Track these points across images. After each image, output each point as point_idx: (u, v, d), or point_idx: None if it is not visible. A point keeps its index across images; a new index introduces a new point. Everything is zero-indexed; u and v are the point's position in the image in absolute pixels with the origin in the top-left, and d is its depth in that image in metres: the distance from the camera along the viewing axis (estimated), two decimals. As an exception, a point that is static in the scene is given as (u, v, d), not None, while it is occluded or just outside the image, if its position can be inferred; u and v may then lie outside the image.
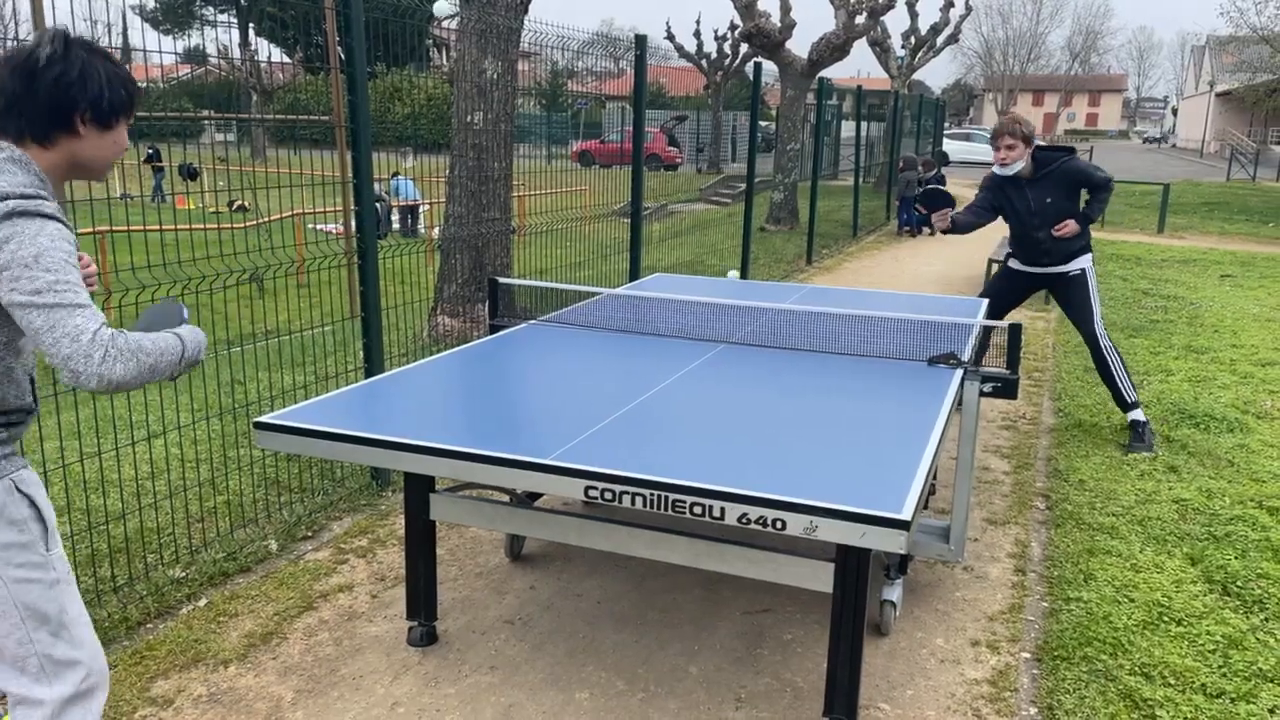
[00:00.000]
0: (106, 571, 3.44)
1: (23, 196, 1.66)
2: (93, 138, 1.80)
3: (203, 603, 3.34)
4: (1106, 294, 9.68)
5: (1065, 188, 4.95)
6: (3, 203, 1.64)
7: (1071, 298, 5.16)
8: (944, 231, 5.05)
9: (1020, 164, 4.91)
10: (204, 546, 3.69)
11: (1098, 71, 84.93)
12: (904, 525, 2.04)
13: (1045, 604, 3.44)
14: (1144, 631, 3.21)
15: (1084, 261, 5.13)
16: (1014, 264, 5.32)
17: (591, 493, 2.30)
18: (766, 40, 14.98)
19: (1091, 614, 3.31)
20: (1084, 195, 5.08)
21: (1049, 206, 4.95)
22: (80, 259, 1.91)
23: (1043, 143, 5.15)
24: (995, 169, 5.02)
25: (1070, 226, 4.93)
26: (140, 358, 1.70)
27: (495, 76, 6.40)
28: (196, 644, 3.07)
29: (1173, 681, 2.92)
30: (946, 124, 36.24)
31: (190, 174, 15.71)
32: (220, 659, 2.99)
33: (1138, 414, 5.11)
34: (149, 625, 3.18)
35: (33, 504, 1.84)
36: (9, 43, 1.81)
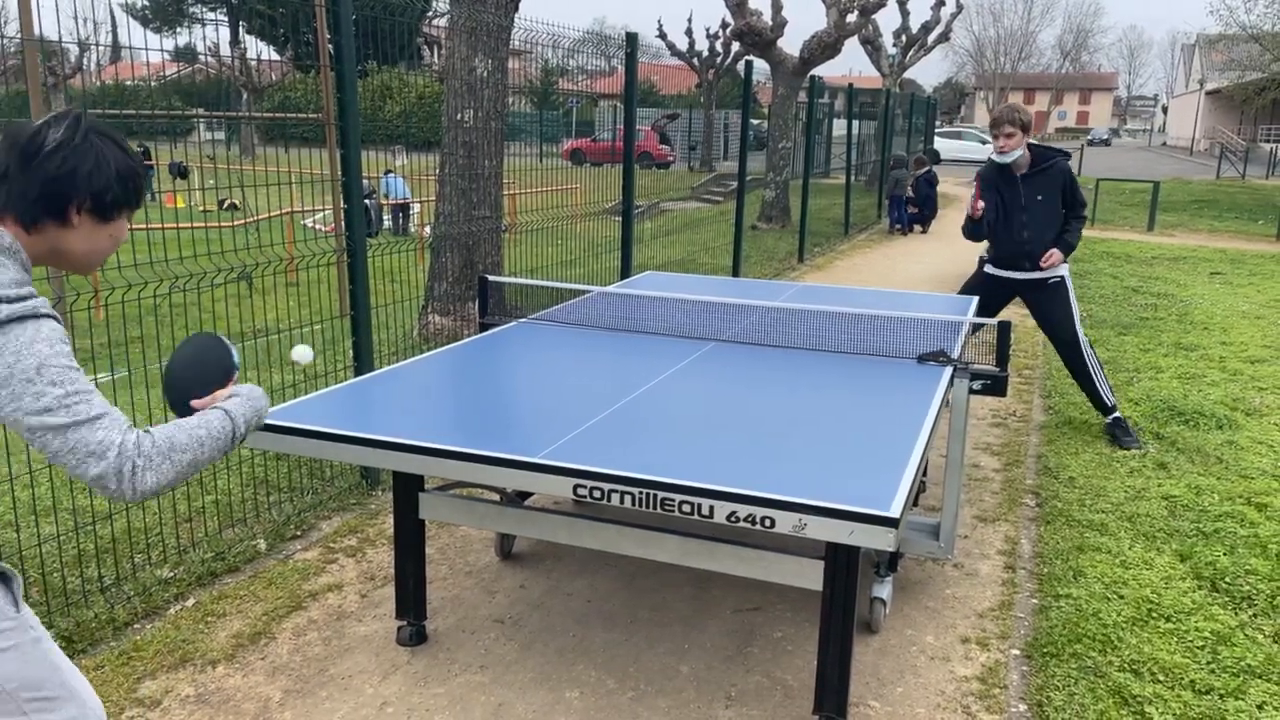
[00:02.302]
0: (94, 572, 3.42)
1: (18, 299, 1.50)
2: (86, 229, 1.62)
3: (190, 603, 3.32)
4: (1096, 292, 9.71)
5: (1056, 188, 4.96)
6: (1, 306, 1.48)
7: (1049, 306, 5.11)
8: (975, 226, 5.03)
9: (1019, 152, 4.90)
10: (192, 546, 3.68)
11: (1088, 70, 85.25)
12: (893, 523, 2.04)
13: (1035, 601, 3.44)
14: (1133, 628, 3.22)
15: (1062, 269, 5.11)
16: (991, 269, 5.23)
17: (581, 491, 2.29)
18: (758, 38, 14.98)
19: (1081, 611, 3.32)
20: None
21: (1039, 204, 4.96)
22: None
23: (1035, 142, 5.16)
24: (993, 156, 5.01)
25: (1055, 257, 4.96)
26: (175, 457, 1.55)
27: (486, 74, 6.38)
28: (184, 644, 3.05)
29: (1162, 678, 2.92)
30: (938, 122, 36.30)
31: (180, 172, 15.66)
32: (208, 659, 2.98)
33: (1117, 414, 5.14)
34: (136, 626, 3.16)
35: None
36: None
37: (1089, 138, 59.78)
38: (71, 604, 3.20)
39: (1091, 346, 5.17)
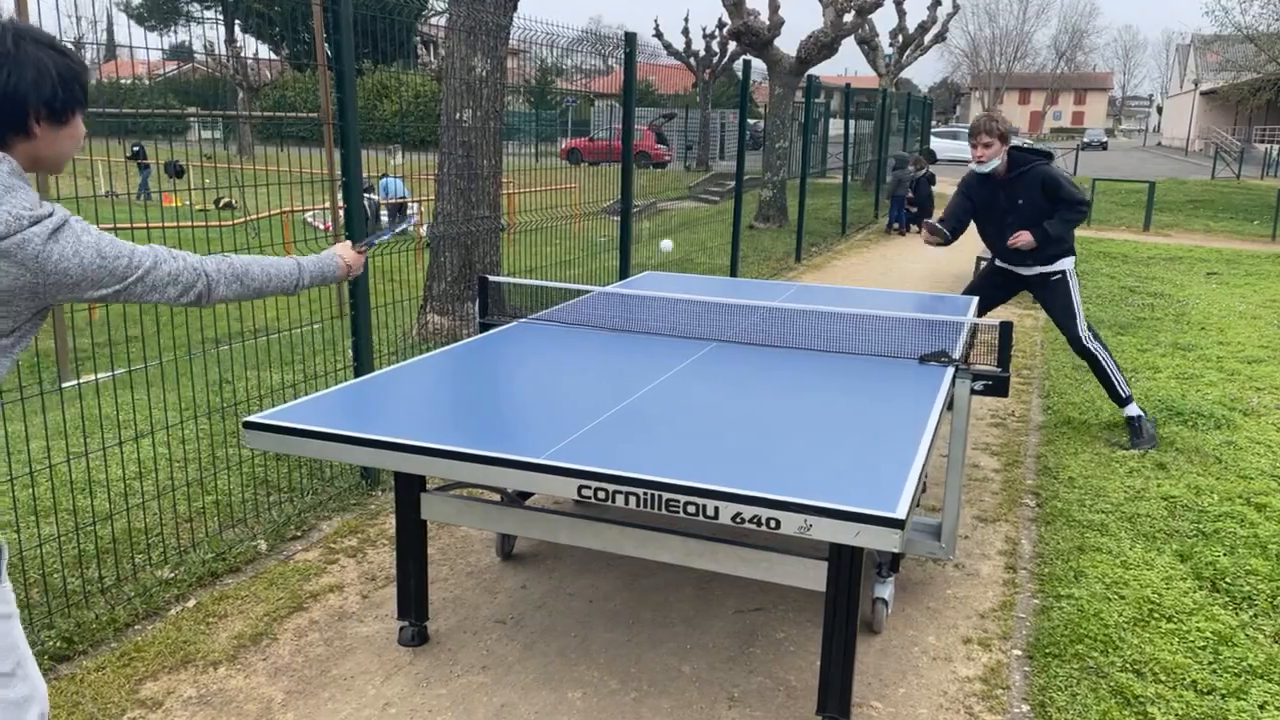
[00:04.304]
0: (94, 573, 3.41)
1: (48, 215, 1.65)
2: (48, 136, 1.72)
3: (191, 603, 3.31)
4: (1093, 291, 9.73)
5: (1037, 191, 4.98)
6: (40, 225, 1.62)
7: (1052, 301, 5.18)
8: (934, 244, 5.10)
9: (996, 161, 4.96)
10: (193, 547, 3.67)
11: (1083, 70, 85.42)
12: (899, 524, 2.04)
13: (1036, 601, 3.45)
14: (1134, 628, 3.22)
15: (1065, 264, 5.14)
16: (999, 262, 5.34)
17: (585, 492, 2.29)
18: (755, 38, 14.98)
19: (1082, 611, 3.33)
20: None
21: (1022, 207, 4.99)
22: None
23: (1021, 144, 5.20)
24: (972, 165, 5.07)
25: (1024, 238, 4.96)
26: (245, 281, 1.92)
27: (484, 74, 6.37)
28: (185, 645, 3.04)
29: (1163, 678, 2.93)
30: (934, 122, 36.33)
31: (176, 171, 15.61)
32: (210, 660, 2.97)
33: (1133, 409, 5.15)
34: (137, 627, 3.15)
35: None
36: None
37: (1085, 140, 55.00)
38: (72, 605, 3.19)
39: (1099, 339, 5.19)
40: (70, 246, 1.66)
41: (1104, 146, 56.43)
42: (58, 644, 2.96)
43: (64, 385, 5.52)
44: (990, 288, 5.35)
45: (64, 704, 2.70)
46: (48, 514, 3.81)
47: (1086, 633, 3.18)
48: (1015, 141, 5.12)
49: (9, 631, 1.78)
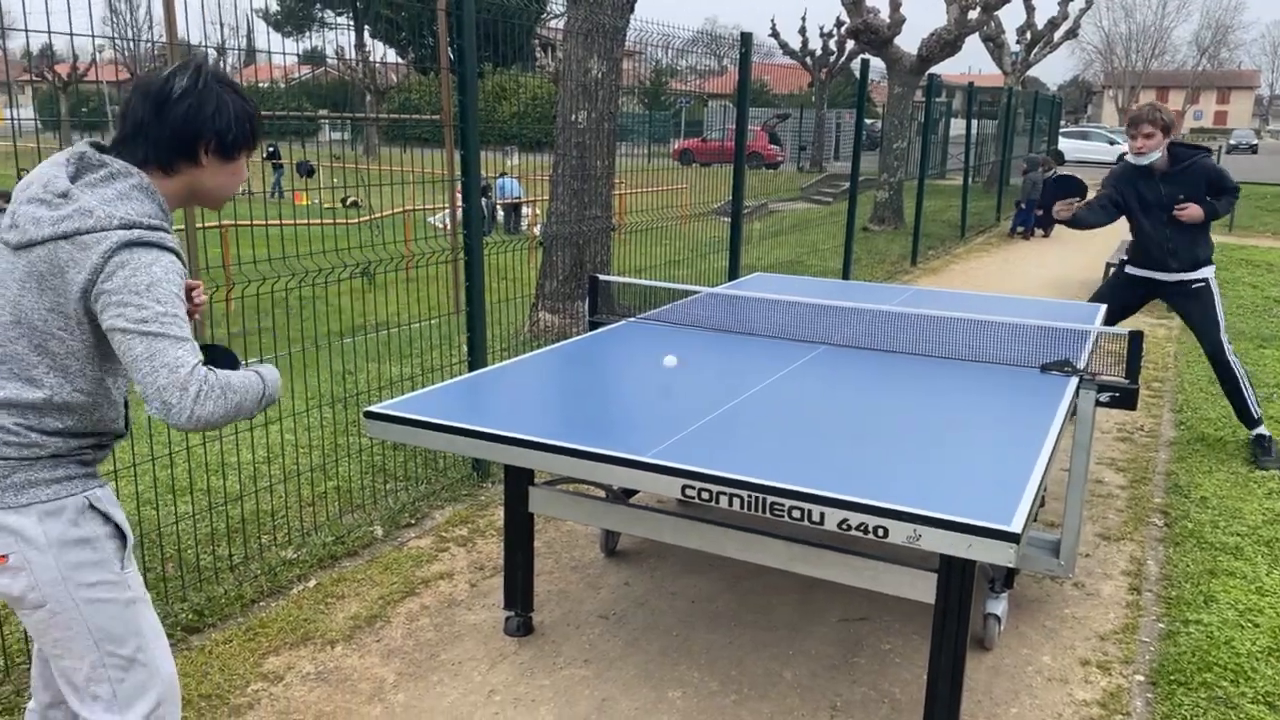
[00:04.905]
0: (224, 550, 3.61)
1: (148, 227, 1.69)
2: (214, 168, 1.81)
3: (312, 584, 3.47)
4: (1234, 301, 9.16)
5: (1199, 187, 4.71)
6: (128, 230, 1.66)
7: (1194, 310, 4.92)
8: (1063, 222, 4.87)
9: (1157, 154, 4.70)
10: (314, 529, 3.84)
11: (1227, 67, 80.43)
12: (1014, 538, 1.97)
13: (1161, 625, 3.27)
14: (1269, 658, 3.02)
15: (1207, 272, 4.89)
16: (1132, 269, 5.08)
17: (689, 492, 2.29)
18: (874, 36, 14.69)
19: (1212, 638, 3.14)
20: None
21: (1181, 203, 4.73)
22: (196, 286, 1.95)
23: (1176, 141, 4.93)
24: (1129, 157, 4.82)
25: (1193, 210, 4.68)
26: (229, 395, 1.71)
27: (600, 75, 6.45)
28: (306, 623, 3.19)
29: (1302, 715, 2.74)
30: (1063, 122, 34.81)
31: (307, 171, 16.36)
32: (327, 639, 3.10)
33: (1262, 429, 4.86)
34: (261, 603, 3.32)
35: (108, 521, 1.81)
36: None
37: (1231, 141, 48.26)
38: (203, 580, 3.38)
39: (1236, 355, 4.90)
40: (134, 262, 1.65)
41: (1254, 150, 49.28)
42: (190, 616, 3.15)
43: (201, 372, 5.84)
44: (1121, 295, 5.10)
45: (193, 674, 2.87)
46: (184, 493, 4.05)
47: (1216, 661, 3.01)
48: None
49: (134, 616, 1.84)
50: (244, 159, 1.87)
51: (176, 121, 1.75)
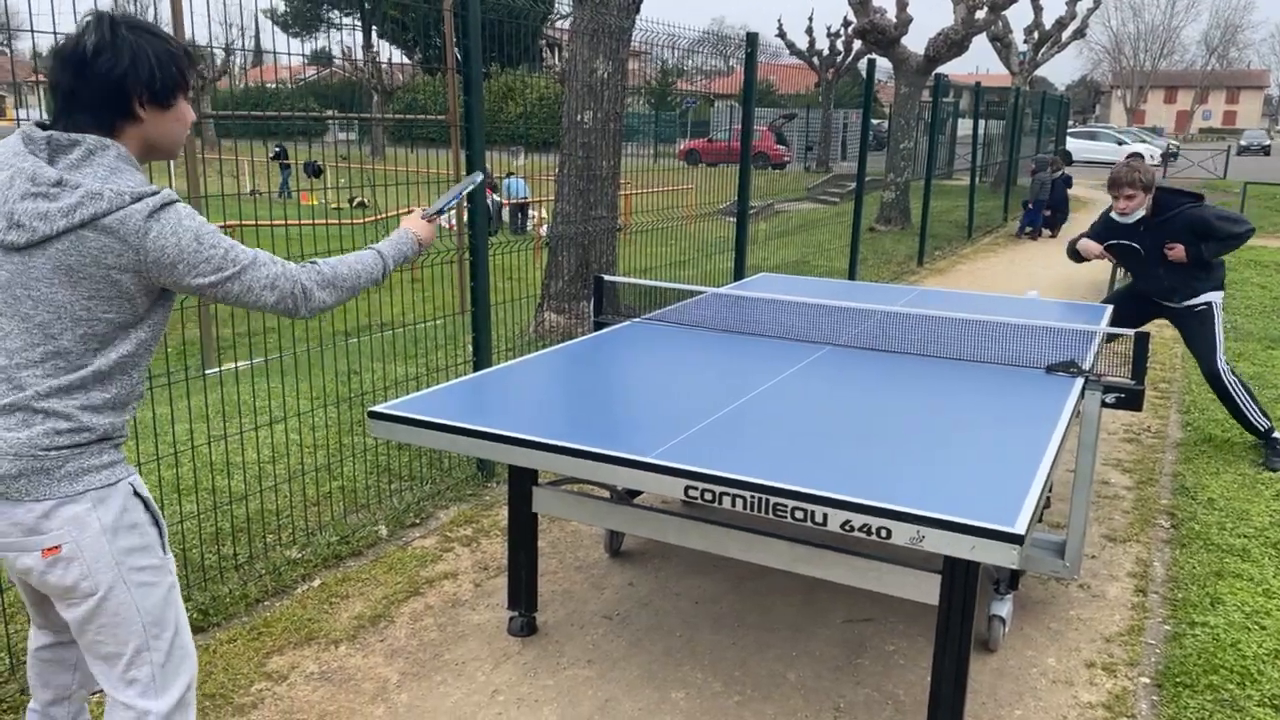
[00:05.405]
0: (229, 549, 3.62)
1: (154, 193, 1.69)
2: (154, 119, 1.75)
3: (316, 583, 3.47)
4: (1243, 303, 9.12)
5: (1180, 237, 4.70)
6: (141, 202, 1.66)
7: (1192, 329, 4.90)
8: (1092, 257, 4.95)
9: (1140, 213, 4.75)
10: (319, 529, 3.85)
11: (1236, 67, 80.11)
12: (1017, 539, 1.96)
13: (1168, 627, 3.26)
14: (1276, 661, 3.01)
15: (1212, 296, 4.85)
16: (1142, 286, 5.06)
17: (692, 492, 2.29)
18: (881, 36, 14.67)
19: (1219, 640, 3.13)
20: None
21: (1170, 244, 4.73)
22: None
23: (1165, 185, 4.92)
24: (1114, 216, 4.82)
25: (1179, 251, 4.68)
26: (338, 283, 1.94)
27: (606, 76, 6.45)
28: (310, 623, 3.19)
29: (1309, 718, 2.73)
30: (1071, 121, 34.65)
31: (314, 171, 16.39)
32: (331, 638, 3.11)
33: (1275, 434, 4.83)
34: (266, 603, 3.33)
35: (148, 507, 1.84)
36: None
37: (1243, 143, 46.52)
38: (208, 579, 3.39)
39: (1235, 373, 4.86)
40: (170, 226, 1.68)
41: (1266, 151, 46.49)
42: (194, 615, 3.16)
43: (207, 372, 5.87)
44: (1129, 309, 5.07)
45: (198, 673, 2.87)
46: (189, 492, 4.06)
47: (1222, 663, 2.99)
48: (1161, 181, 4.86)
49: (175, 600, 1.88)
50: (183, 100, 1.79)
51: (99, 81, 1.67)
